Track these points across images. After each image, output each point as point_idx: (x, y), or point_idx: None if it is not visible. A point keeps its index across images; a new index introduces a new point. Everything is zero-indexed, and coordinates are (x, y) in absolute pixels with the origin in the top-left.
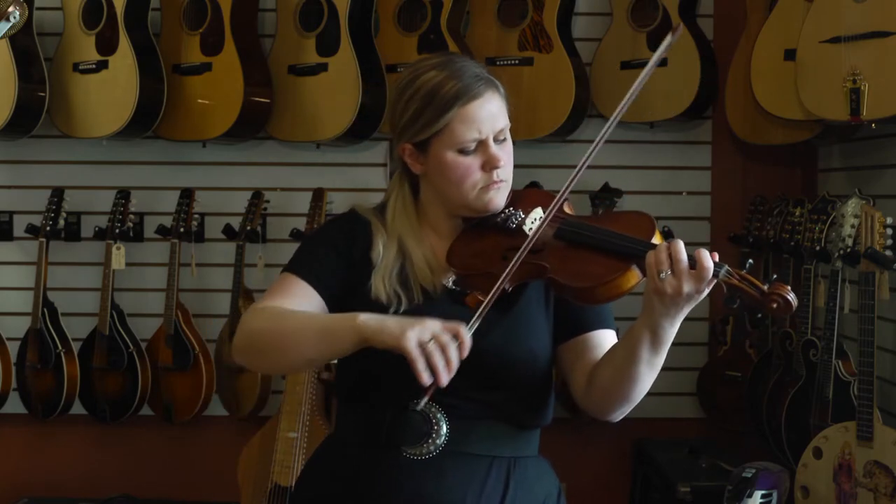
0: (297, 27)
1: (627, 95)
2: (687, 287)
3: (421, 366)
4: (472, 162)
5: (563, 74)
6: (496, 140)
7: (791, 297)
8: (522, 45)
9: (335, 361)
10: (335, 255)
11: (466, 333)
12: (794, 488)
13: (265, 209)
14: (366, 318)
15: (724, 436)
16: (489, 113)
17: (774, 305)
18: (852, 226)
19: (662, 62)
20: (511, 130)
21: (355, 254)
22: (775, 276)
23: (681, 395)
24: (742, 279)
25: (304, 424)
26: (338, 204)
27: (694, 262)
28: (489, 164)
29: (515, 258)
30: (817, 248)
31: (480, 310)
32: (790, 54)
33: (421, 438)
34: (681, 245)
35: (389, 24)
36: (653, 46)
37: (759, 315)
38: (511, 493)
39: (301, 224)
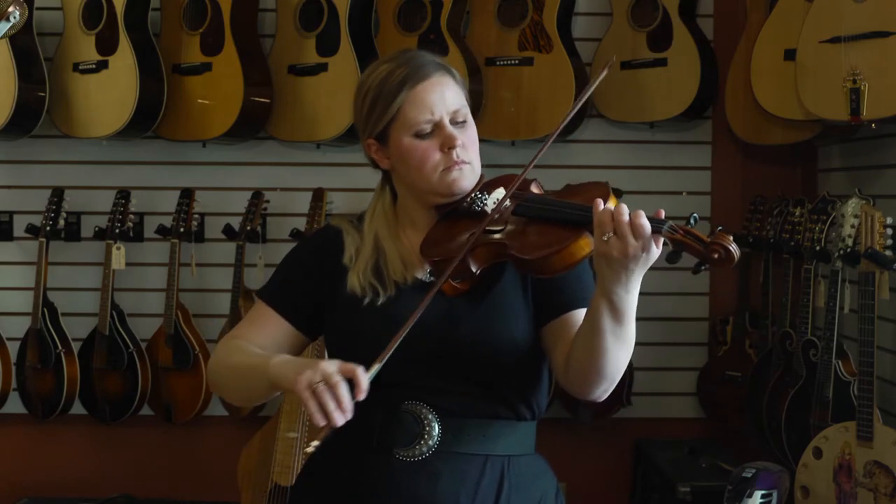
0: (297, 27)
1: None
2: (631, 247)
3: (312, 407)
4: (430, 145)
5: (563, 74)
6: (454, 122)
7: (733, 247)
8: (522, 45)
9: None
10: (303, 277)
11: (362, 375)
12: (794, 488)
13: (265, 209)
14: (275, 363)
15: (724, 436)
16: (440, 94)
17: (716, 256)
18: (852, 226)
19: (662, 62)
20: (511, 130)
21: (326, 267)
22: (720, 228)
23: (681, 395)
24: (686, 234)
25: (304, 424)
26: (338, 204)
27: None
28: (446, 144)
29: (470, 236)
30: (817, 248)
31: (435, 287)
32: (790, 54)
33: (413, 440)
34: (624, 207)
35: (389, 24)
36: (653, 46)
37: (704, 268)
38: (506, 493)
39: (301, 224)
